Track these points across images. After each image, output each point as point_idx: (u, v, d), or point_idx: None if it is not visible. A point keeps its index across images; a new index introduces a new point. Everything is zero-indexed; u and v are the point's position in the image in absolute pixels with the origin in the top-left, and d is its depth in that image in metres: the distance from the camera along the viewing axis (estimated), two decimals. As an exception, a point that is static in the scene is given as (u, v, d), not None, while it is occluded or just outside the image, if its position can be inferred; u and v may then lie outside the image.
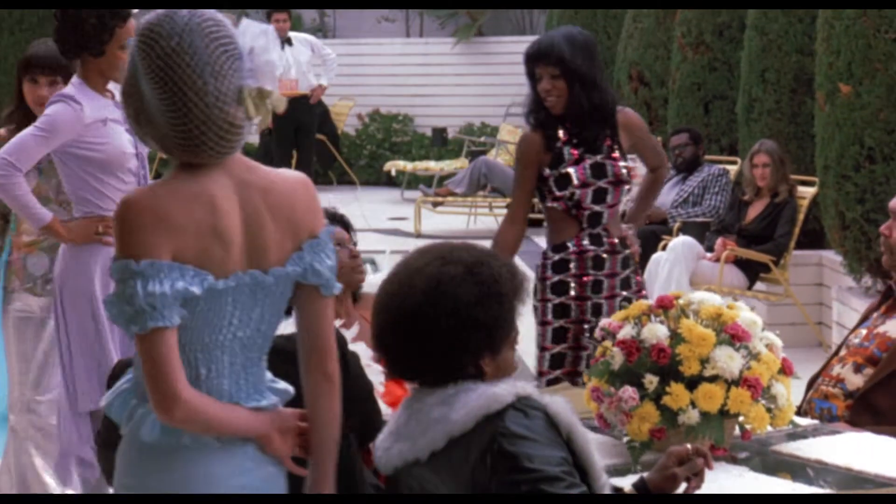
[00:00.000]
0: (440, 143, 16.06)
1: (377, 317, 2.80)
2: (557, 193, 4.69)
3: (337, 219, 4.22)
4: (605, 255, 4.75)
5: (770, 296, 8.55)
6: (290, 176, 2.74)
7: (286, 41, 12.83)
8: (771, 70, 8.95)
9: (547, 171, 4.70)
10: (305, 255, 2.68)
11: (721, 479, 3.18)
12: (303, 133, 12.82)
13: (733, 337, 3.32)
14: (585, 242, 4.74)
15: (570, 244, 4.75)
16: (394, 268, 2.83)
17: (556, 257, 4.75)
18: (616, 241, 4.78)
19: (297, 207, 2.67)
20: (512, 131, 15.13)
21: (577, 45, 4.69)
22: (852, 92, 7.21)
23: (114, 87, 4.56)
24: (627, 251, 4.82)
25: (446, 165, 14.90)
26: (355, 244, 4.31)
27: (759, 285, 8.59)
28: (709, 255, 8.42)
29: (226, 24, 2.61)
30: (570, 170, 4.69)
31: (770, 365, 3.33)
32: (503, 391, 2.71)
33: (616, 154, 4.75)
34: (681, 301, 3.44)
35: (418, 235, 12.56)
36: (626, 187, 4.77)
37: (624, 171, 4.74)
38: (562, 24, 14.38)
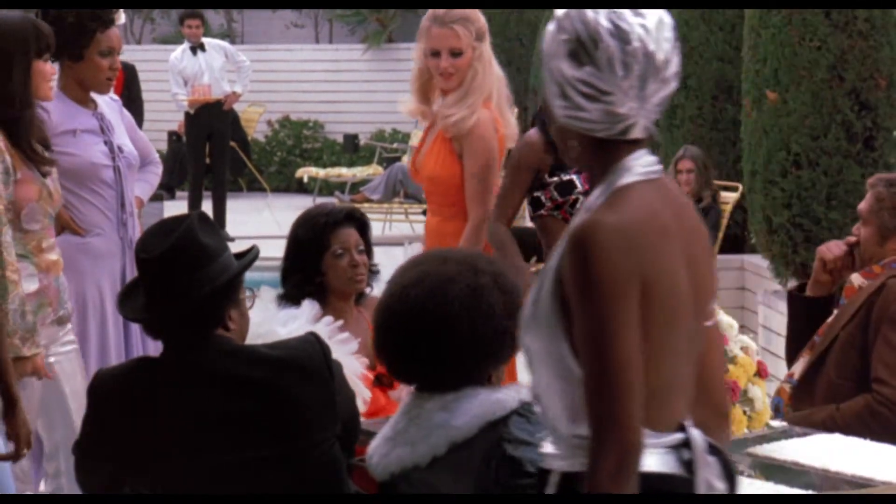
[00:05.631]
0: (352, 150, 16.02)
1: (393, 321, 2.76)
2: (560, 199, 4.59)
3: (353, 220, 4.08)
4: None
5: (694, 300, 8.65)
6: None
7: (199, 47, 12.71)
8: (693, 77, 9.07)
9: (547, 178, 4.60)
10: None
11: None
12: (216, 139, 12.70)
13: (711, 340, 3.35)
14: None
15: None
16: (405, 275, 2.78)
17: None
18: None
19: None
20: (424, 138, 15.15)
21: None
22: (779, 99, 7.33)
23: (97, 97, 4.47)
24: None
25: (359, 172, 14.87)
26: (363, 250, 4.08)
27: (683, 290, 8.69)
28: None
29: None
30: (574, 177, 4.61)
31: (746, 368, 3.37)
32: (507, 397, 2.71)
33: None
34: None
35: (334, 242, 12.51)
36: None
37: None
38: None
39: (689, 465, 2.31)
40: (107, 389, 3.03)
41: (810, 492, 3.20)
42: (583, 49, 2.29)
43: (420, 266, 2.79)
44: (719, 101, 9.08)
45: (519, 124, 15.19)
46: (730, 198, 8.74)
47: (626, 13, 2.30)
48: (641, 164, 2.34)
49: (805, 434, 3.67)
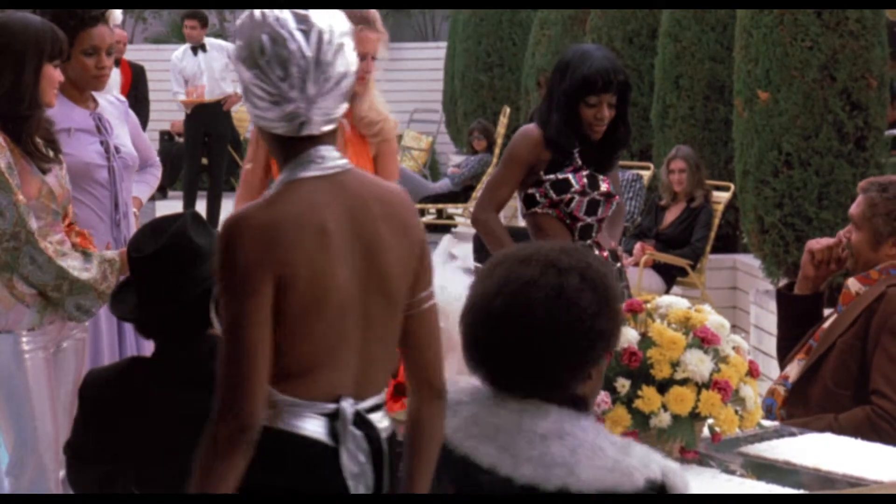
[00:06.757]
0: (344, 150, 16.03)
1: (476, 333, 2.59)
2: (556, 198, 4.53)
3: None
4: None
5: (687, 299, 8.66)
6: None
7: (199, 47, 12.69)
8: (685, 77, 9.08)
9: (544, 175, 4.55)
10: None
11: (695, 481, 3.21)
12: (214, 140, 12.71)
13: (703, 340, 3.36)
14: None
15: None
16: (486, 282, 2.60)
17: None
18: (607, 253, 4.62)
19: None
20: (416, 137, 15.16)
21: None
22: (770, 99, 7.34)
23: (101, 98, 4.46)
24: (619, 264, 4.66)
25: (351, 172, 14.86)
26: None
27: (675, 289, 8.70)
28: (627, 258, 8.51)
29: None
30: (570, 175, 4.57)
31: (738, 367, 3.37)
32: (636, 471, 2.50)
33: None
34: (648, 305, 3.48)
35: (327, 242, 12.49)
36: (616, 200, 4.64)
37: (608, 187, 4.63)
38: (466, 31, 14.42)
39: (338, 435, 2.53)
40: (98, 389, 3.03)
41: (802, 491, 3.20)
42: (251, 55, 2.49)
43: (501, 268, 2.61)
44: (711, 101, 9.09)
45: (510, 124, 15.18)
46: (722, 197, 8.75)
47: (290, 20, 2.49)
48: (318, 160, 2.52)
49: (796, 433, 3.67)
